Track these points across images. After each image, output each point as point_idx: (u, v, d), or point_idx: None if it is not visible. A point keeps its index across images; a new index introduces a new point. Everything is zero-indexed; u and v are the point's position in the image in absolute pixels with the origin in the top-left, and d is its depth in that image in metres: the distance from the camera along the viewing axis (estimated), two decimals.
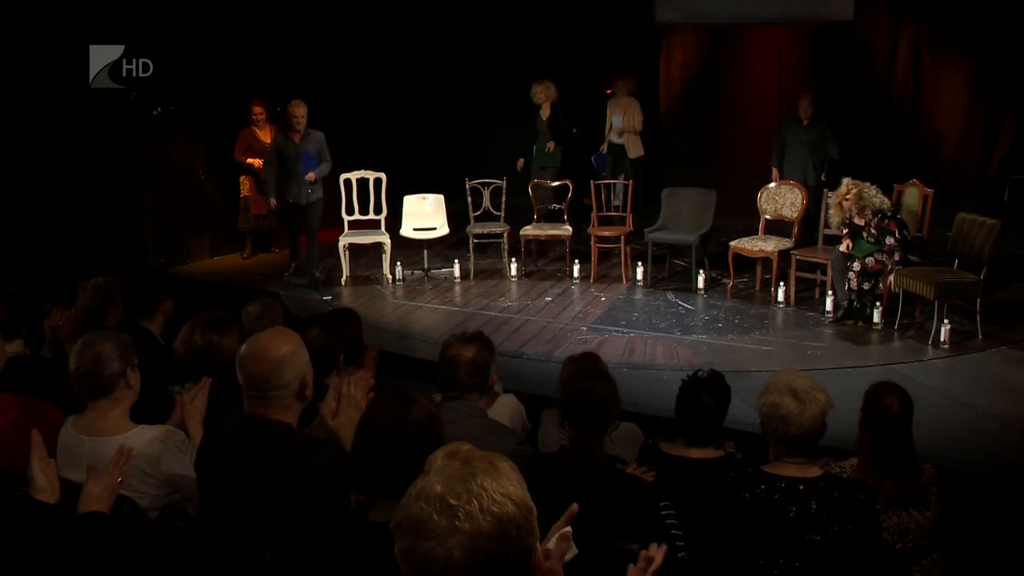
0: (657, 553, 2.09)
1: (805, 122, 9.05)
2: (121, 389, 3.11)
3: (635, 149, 10.44)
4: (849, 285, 7.42)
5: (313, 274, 8.99)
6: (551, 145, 10.12)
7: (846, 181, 7.51)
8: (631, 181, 9.52)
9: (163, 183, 9.52)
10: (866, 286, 7.35)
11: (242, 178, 9.78)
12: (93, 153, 8.85)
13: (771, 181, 8.97)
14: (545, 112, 10.19)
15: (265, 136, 9.61)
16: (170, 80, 9.23)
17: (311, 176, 8.71)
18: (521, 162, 10.50)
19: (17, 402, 3.38)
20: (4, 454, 2.29)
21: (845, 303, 7.55)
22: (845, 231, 7.54)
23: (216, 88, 9.62)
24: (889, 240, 7.24)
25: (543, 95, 10.17)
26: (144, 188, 9.37)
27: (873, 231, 7.33)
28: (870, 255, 7.29)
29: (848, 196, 7.40)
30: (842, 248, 7.52)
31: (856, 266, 7.33)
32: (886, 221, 7.28)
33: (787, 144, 9.16)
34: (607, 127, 10.55)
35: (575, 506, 1.88)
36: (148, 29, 8.70)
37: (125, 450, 2.51)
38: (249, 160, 9.58)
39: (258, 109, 9.65)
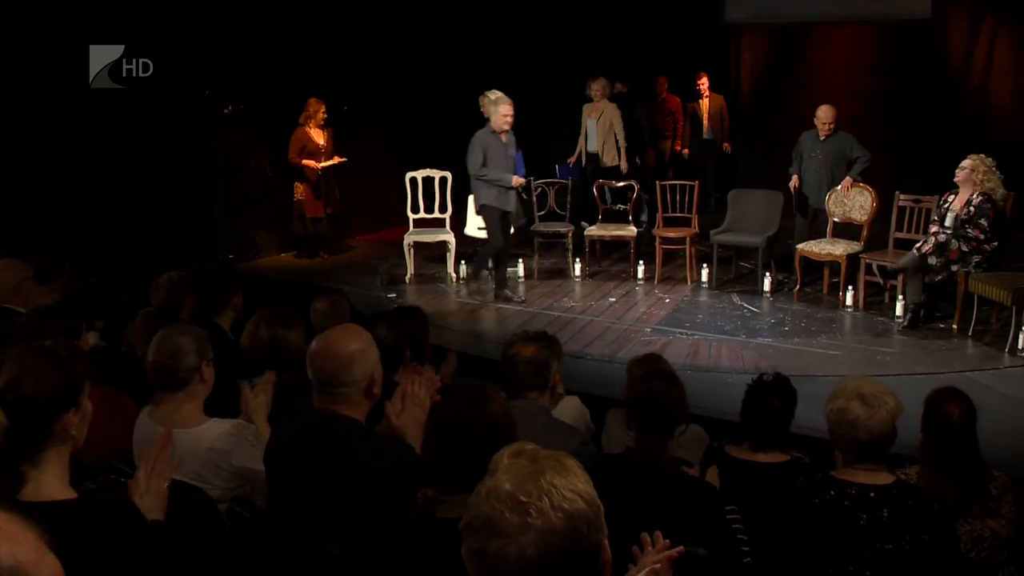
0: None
1: (822, 137, 8.52)
2: (195, 383, 3.17)
3: (611, 158, 9.90)
4: (921, 247, 7.25)
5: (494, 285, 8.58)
6: None
7: (972, 156, 7.28)
8: (696, 182, 9.41)
9: (233, 180, 9.69)
10: (932, 260, 7.17)
11: (297, 183, 9.68)
12: (166, 150, 9.04)
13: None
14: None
15: (319, 137, 9.53)
16: (241, 78, 9.39)
17: (521, 180, 8.27)
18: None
19: (97, 393, 3.47)
20: (85, 444, 2.35)
21: (912, 306, 7.38)
22: (933, 228, 7.32)
23: (284, 86, 9.74)
24: (982, 222, 7.02)
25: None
26: (215, 185, 9.55)
27: (972, 208, 7.10)
28: (954, 237, 7.10)
29: (979, 166, 7.15)
30: (926, 248, 7.25)
31: (941, 237, 7.15)
32: (988, 205, 7.08)
33: (804, 161, 8.69)
34: (581, 134, 10.15)
35: (678, 549, 1.88)
36: (148, 29, 8.62)
37: (165, 457, 2.55)
38: (305, 162, 9.49)
39: (319, 107, 9.51)
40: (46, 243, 6.32)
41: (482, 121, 8.13)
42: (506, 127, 8.00)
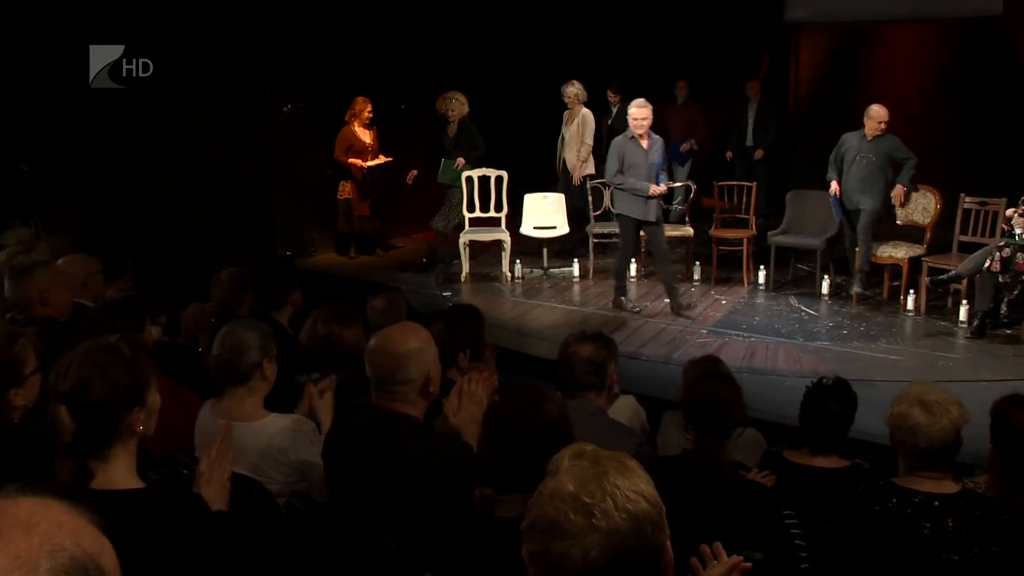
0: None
1: (871, 136, 7.99)
2: (257, 379, 3.21)
3: (576, 167, 9.49)
4: (990, 267, 7.02)
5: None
6: (460, 161, 9.30)
7: None
8: (755, 183, 9.30)
9: (291, 178, 9.80)
10: (1001, 278, 6.99)
11: (343, 182, 9.67)
12: (226, 149, 9.18)
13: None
14: (452, 129, 9.44)
15: (365, 136, 9.55)
16: (303, 77, 9.50)
17: (660, 189, 7.77)
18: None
19: (161, 386, 3.54)
20: (149, 437, 2.40)
21: (980, 313, 7.21)
22: (1002, 244, 7.05)
23: (342, 85, 9.82)
24: None
25: (453, 111, 9.41)
26: (273, 182, 9.68)
27: None
28: (1022, 249, 6.91)
29: None
30: (994, 266, 6.98)
31: (1007, 251, 6.95)
32: None
33: (847, 163, 8.12)
34: (559, 142, 9.77)
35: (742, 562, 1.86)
36: (148, 29, 8.62)
37: (227, 448, 2.58)
38: (351, 160, 9.50)
39: (365, 106, 9.51)
40: (112, 240, 6.45)
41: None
42: (640, 131, 7.66)
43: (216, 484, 2.43)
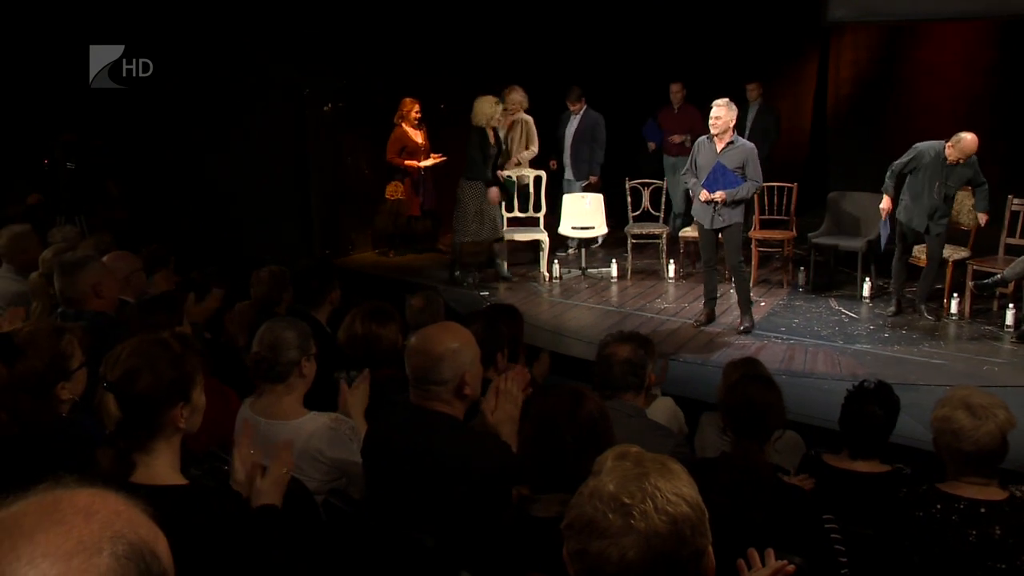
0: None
1: (952, 161, 7.28)
2: (295, 376, 3.23)
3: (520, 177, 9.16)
4: None
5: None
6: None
7: None
8: (796, 184, 9.19)
9: (330, 177, 9.86)
10: None
11: (395, 183, 9.62)
12: (267, 148, 9.26)
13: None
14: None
15: (417, 136, 9.54)
16: (342, 77, 9.57)
17: (708, 195, 7.17)
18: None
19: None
20: (190, 434, 2.43)
21: None
22: None
23: (380, 85, 9.87)
24: None
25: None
26: (313, 181, 9.75)
27: None
28: None
29: None
30: None
31: None
32: None
33: (922, 180, 7.41)
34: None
35: (789, 567, 1.84)
36: (148, 29, 8.63)
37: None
38: (407, 162, 9.49)
39: (413, 106, 9.50)
40: (154, 237, 6.54)
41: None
42: (714, 131, 7.19)
43: (270, 478, 2.45)
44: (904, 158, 7.54)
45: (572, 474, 1.62)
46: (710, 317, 7.69)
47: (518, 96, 9.22)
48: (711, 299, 7.71)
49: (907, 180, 7.58)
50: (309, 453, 3.14)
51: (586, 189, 9.61)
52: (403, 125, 9.54)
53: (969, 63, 10.66)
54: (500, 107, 8.61)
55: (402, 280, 8.83)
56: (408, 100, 9.54)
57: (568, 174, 9.88)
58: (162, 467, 2.24)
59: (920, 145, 7.51)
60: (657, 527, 1.40)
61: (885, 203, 7.62)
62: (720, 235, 7.43)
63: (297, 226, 9.72)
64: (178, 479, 2.27)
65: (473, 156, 8.53)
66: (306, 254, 9.46)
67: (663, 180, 9.62)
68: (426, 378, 2.83)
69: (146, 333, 2.44)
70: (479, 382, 2.92)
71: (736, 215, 7.25)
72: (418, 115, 9.57)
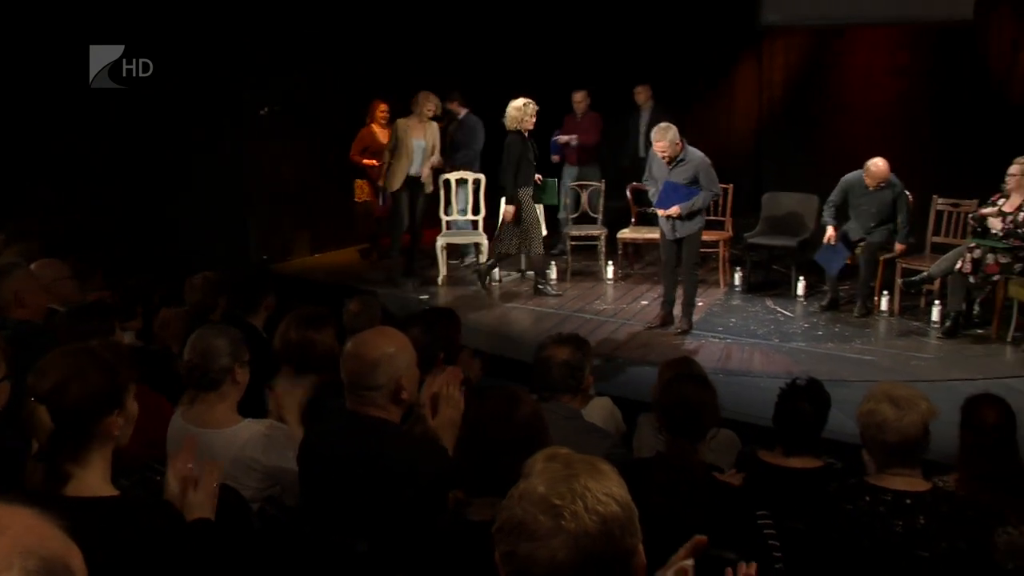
0: (750, 569, 2.05)
1: (872, 186, 7.75)
2: (228, 384, 3.19)
3: (431, 183, 9.07)
4: (961, 268, 7.07)
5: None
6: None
7: (1019, 160, 7.11)
8: (731, 185, 9.27)
9: (267, 181, 9.74)
10: (972, 279, 7.06)
11: (359, 182, 9.57)
12: (201, 151, 9.11)
13: None
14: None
15: (383, 136, 9.34)
16: (276, 79, 9.45)
17: (666, 211, 7.29)
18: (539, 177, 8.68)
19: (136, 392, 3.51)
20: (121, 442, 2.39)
21: (953, 314, 7.27)
22: (972, 245, 7.11)
23: (319, 88, 9.78)
24: None
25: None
26: (249, 186, 9.62)
27: (1021, 217, 6.99)
28: (992, 251, 6.98)
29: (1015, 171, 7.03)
30: (965, 268, 7.04)
31: (977, 252, 7.02)
32: None
33: (855, 208, 7.92)
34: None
35: (702, 539, 1.84)
36: (147, 29, 8.55)
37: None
38: (365, 161, 9.40)
39: (383, 108, 9.42)
40: (85, 244, 6.40)
41: None
42: (665, 160, 7.23)
43: (203, 491, 2.42)
44: (834, 194, 7.98)
45: (507, 477, 1.62)
46: (665, 320, 7.73)
47: (436, 101, 8.97)
48: (669, 302, 7.76)
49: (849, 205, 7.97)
50: (244, 461, 3.10)
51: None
52: (372, 125, 9.50)
53: (895, 67, 10.91)
54: (532, 107, 8.33)
55: (341, 284, 8.75)
56: (376, 101, 9.49)
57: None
58: (94, 479, 2.20)
59: (847, 176, 7.96)
60: (587, 527, 1.40)
61: (830, 233, 7.93)
62: (680, 244, 7.51)
63: (233, 231, 9.57)
64: (109, 490, 2.23)
65: (521, 161, 8.27)
66: (242, 260, 9.33)
67: (600, 183, 9.62)
68: (361, 383, 2.80)
69: (74, 342, 2.39)
70: (416, 386, 2.91)
71: (694, 224, 7.37)
72: (385, 115, 9.44)
